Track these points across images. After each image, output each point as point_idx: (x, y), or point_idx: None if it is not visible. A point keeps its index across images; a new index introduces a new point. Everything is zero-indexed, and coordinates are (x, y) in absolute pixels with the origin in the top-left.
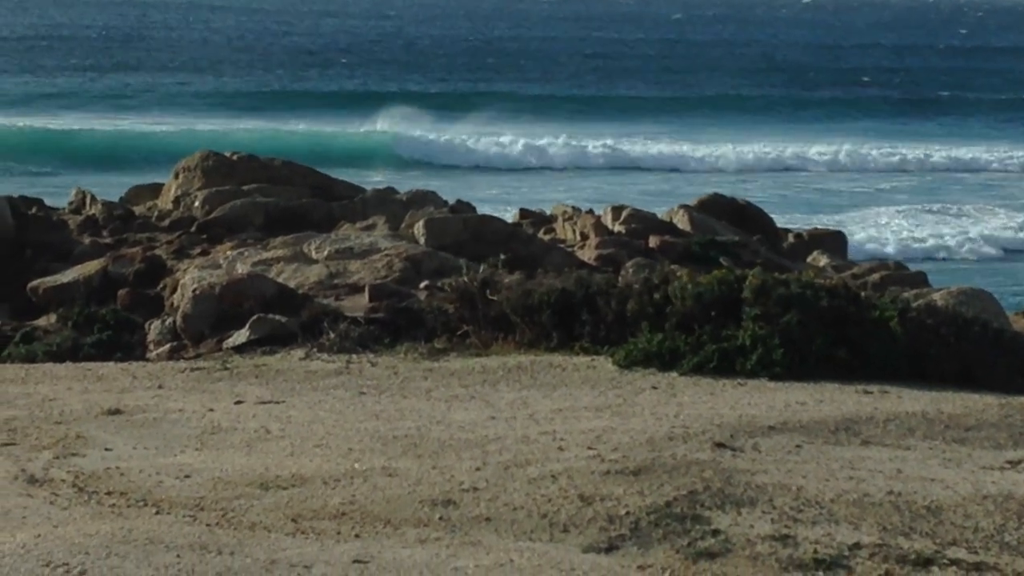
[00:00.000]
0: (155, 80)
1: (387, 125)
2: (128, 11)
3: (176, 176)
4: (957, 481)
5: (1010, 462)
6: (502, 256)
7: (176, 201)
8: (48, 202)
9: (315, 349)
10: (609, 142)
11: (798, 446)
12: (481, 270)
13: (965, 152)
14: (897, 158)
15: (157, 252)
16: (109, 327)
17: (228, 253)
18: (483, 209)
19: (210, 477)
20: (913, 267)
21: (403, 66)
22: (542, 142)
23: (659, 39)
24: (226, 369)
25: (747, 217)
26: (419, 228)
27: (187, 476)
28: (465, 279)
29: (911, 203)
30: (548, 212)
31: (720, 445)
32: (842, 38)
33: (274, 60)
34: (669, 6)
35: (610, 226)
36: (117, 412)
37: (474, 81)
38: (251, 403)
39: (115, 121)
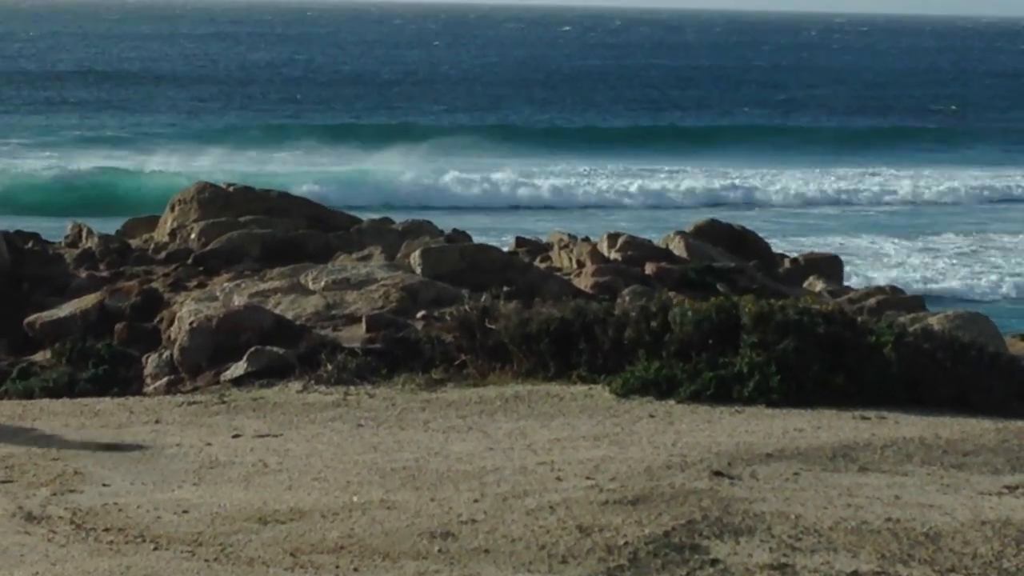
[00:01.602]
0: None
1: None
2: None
3: (172, 208)
4: (955, 507)
5: (1008, 487)
6: (504, 288)
7: (172, 233)
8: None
9: (312, 381)
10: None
11: (796, 473)
12: (483, 299)
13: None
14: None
15: (154, 285)
16: (105, 362)
17: (225, 285)
18: (477, 239)
19: (208, 512)
20: None
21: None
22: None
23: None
24: (223, 402)
25: (744, 242)
26: (415, 258)
27: (185, 511)
28: (467, 308)
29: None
30: (544, 240)
31: (718, 473)
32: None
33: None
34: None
35: (606, 253)
36: (114, 447)
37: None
38: (249, 436)
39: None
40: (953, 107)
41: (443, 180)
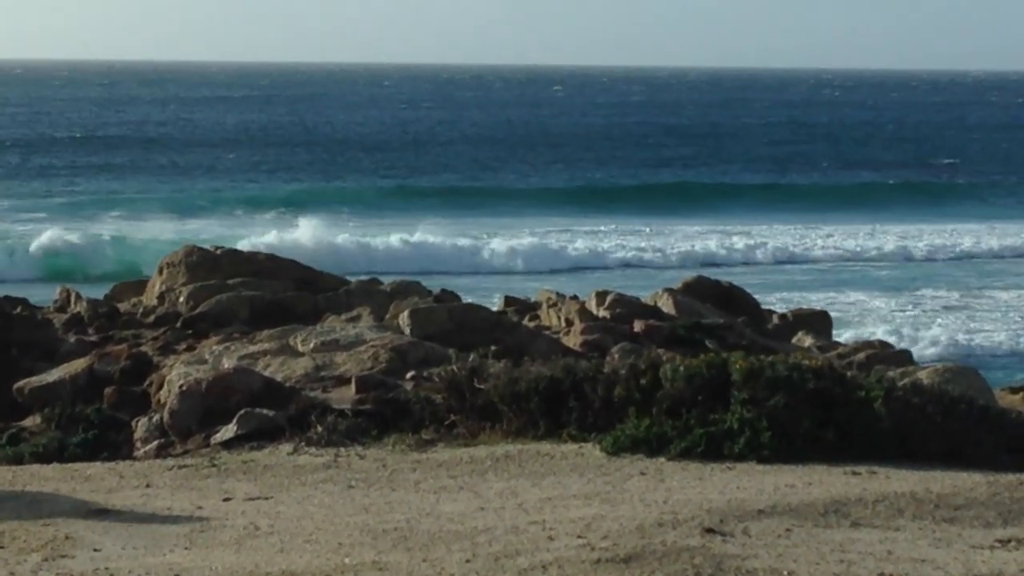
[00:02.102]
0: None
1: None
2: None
3: (160, 272)
4: (948, 561)
5: (1000, 541)
6: (492, 348)
7: (161, 297)
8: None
9: (303, 443)
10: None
11: (788, 530)
12: (471, 359)
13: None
14: None
15: (143, 348)
16: (95, 426)
17: (214, 348)
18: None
19: None
20: None
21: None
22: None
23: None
24: (214, 465)
25: (732, 299)
26: (404, 318)
27: (177, 575)
28: (455, 368)
29: None
30: (532, 299)
31: (710, 531)
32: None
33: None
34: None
35: (595, 311)
36: (105, 512)
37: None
38: (240, 499)
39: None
40: (947, 161)
41: (448, 242)
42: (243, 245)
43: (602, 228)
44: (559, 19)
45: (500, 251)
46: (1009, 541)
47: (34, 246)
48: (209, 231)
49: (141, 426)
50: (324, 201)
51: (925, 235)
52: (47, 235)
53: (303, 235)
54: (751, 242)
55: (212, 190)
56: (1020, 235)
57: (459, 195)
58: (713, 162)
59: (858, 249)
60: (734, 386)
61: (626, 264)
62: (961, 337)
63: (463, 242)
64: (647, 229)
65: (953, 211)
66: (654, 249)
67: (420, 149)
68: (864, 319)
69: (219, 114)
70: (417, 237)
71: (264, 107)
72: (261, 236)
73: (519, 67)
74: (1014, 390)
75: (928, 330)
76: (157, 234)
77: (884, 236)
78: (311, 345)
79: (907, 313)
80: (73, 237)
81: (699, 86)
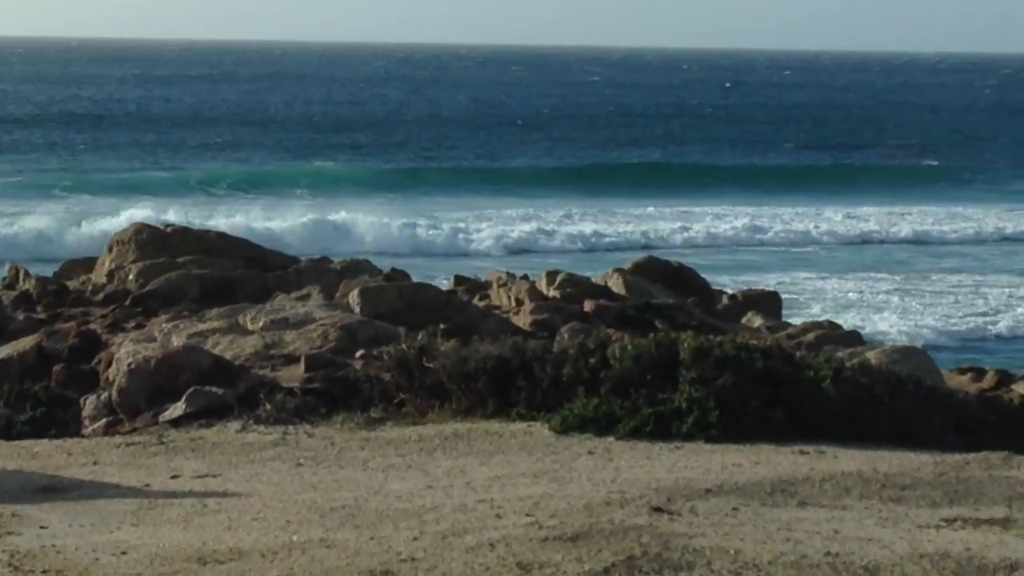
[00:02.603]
0: None
1: None
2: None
3: (110, 249)
4: (894, 540)
5: (946, 520)
6: (441, 326)
7: (110, 275)
8: None
9: (251, 421)
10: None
11: (735, 509)
12: (420, 337)
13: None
14: None
15: (92, 326)
16: (43, 404)
17: (163, 326)
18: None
19: (147, 553)
20: None
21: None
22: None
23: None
24: (162, 443)
25: (681, 279)
26: (354, 297)
27: (124, 552)
28: (405, 346)
29: None
30: (483, 279)
31: (657, 509)
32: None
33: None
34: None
35: (545, 291)
36: (52, 490)
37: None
38: (188, 477)
39: None
40: (915, 141)
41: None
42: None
43: (558, 210)
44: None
45: (450, 232)
46: (955, 520)
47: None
48: (166, 210)
49: (89, 404)
50: (280, 181)
51: (874, 217)
52: None
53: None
54: (709, 224)
55: (172, 168)
56: (977, 219)
57: (413, 176)
58: (671, 144)
59: (810, 231)
60: (682, 366)
61: (581, 245)
62: (910, 320)
63: (412, 222)
64: (604, 210)
65: (909, 194)
66: (604, 232)
67: (380, 129)
68: (814, 301)
69: (178, 92)
70: (371, 218)
71: (226, 86)
72: (229, 218)
73: (478, 46)
74: (962, 371)
75: (878, 312)
76: (109, 213)
77: (837, 218)
78: (260, 323)
79: (858, 295)
80: (28, 216)
81: (656, 67)
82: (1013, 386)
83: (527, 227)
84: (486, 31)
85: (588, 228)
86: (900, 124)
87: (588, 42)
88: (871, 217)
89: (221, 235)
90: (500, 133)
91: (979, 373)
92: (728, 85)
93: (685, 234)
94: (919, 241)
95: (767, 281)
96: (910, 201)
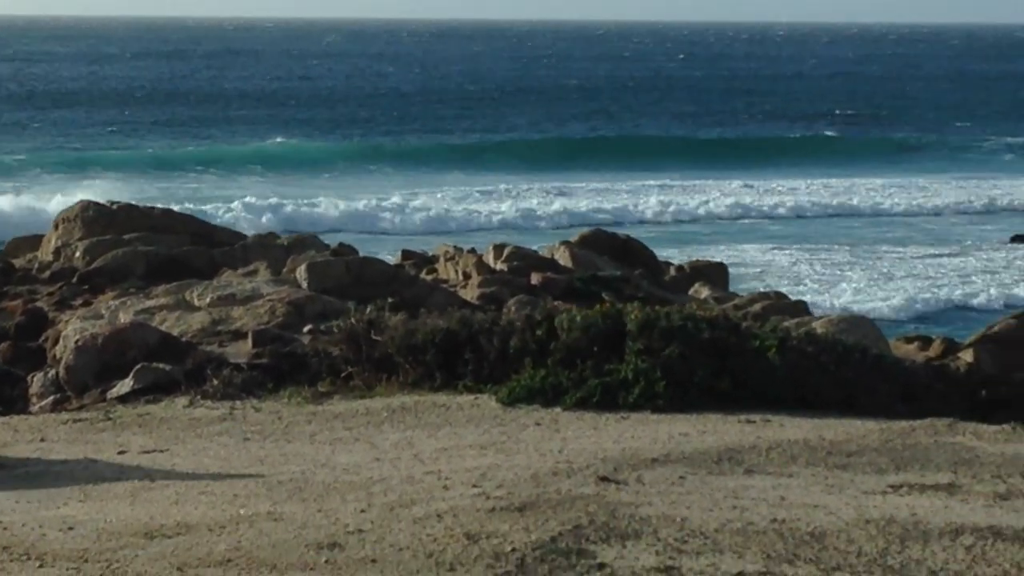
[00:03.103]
0: None
1: None
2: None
3: (56, 227)
4: (840, 507)
5: (892, 486)
6: (389, 300)
7: (57, 252)
8: None
9: (199, 396)
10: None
11: (682, 477)
12: (368, 311)
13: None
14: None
15: (39, 304)
16: None
17: (110, 303)
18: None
19: (94, 528)
20: None
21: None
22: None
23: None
24: (109, 419)
25: (629, 251)
26: (301, 272)
27: (71, 528)
28: (353, 320)
29: None
30: (430, 252)
31: (604, 479)
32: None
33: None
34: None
35: (492, 264)
36: None
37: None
38: (135, 452)
39: None
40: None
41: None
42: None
43: (504, 185)
44: None
45: (397, 211)
46: (901, 487)
47: None
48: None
49: (37, 381)
50: (228, 159)
51: (826, 190)
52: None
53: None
54: (662, 198)
55: (119, 147)
56: (926, 193)
57: (364, 154)
58: (625, 116)
59: (760, 204)
60: (629, 336)
61: (530, 221)
62: (859, 291)
63: (361, 203)
64: (551, 185)
65: (865, 166)
66: (547, 208)
67: (333, 104)
68: (765, 274)
69: (129, 70)
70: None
71: (180, 63)
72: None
73: (431, 21)
74: (908, 339)
75: (826, 285)
76: (59, 190)
77: (789, 191)
78: (207, 300)
79: (806, 267)
80: None
81: (611, 40)
82: (959, 354)
83: (466, 204)
84: (441, 5)
85: (535, 203)
86: (852, 96)
87: (544, 16)
88: (822, 189)
89: (167, 212)
90: (455, 107)
91: (926, 342)
92: (682, 57)
93: (636, 208)
94: (868, 213)
95: (715, 254)
96: (860, 173)
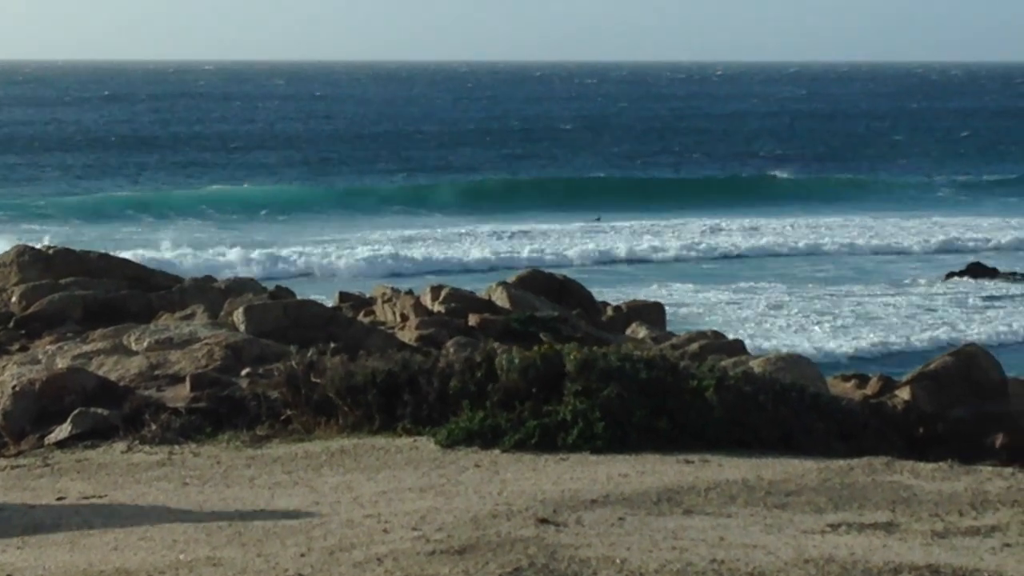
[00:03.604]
0: None
1: None
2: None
3: None
4: (779, 546)
5: (830, 525)
6: (332, 344)
7: None
8: None
9: (137, 441)
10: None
11: (621, 518)
12: (309, 354)
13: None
14: None
15: None
16: None
17: (47, 348)
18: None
19: None
20: None
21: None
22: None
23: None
24: (47, 465)
25: (566, 292)
26: (239, 315)
27: (9, 575)
28: (292, 363)
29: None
30: (367, 295)
31: (544, 521)
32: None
33: None
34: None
35: (430, 306)
36: None
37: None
38: (73, 499)
39: None
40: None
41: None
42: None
43: (440, 229)
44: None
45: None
46: (839, 525)
47: None
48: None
49: None
50: (181, 203)
51: (762, 230)
52: None
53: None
54: (601, 240)
55: (58, 193)
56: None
57: (293, 201)
58: (563, 156)
59: (698, 245)
60: (568, 377)
61: (466, 263)
62: (796, 330)
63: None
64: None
65: (802, 205)
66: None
67: (275, 146)
68: (701, 314)
69: (71, 114)
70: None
71: (121, 106)
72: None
73: (369, 63)
74: (845, 377)
75: (762, 324)
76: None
77: (728, 232)
78: (145, 344)
79: (743, 307)
80: None
81: (554, 80)
82: (896, 392)
83: (396, 248)
84: (381, 48)
85: (467, 247)
86: (789, 134)
87: (481, 57)
88: (761, 227)
89: (103, 255)
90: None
91: (862, 380)
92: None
93: (577, 249)
94: (803, 251)
95: (650, 295)
96: (797, 212)
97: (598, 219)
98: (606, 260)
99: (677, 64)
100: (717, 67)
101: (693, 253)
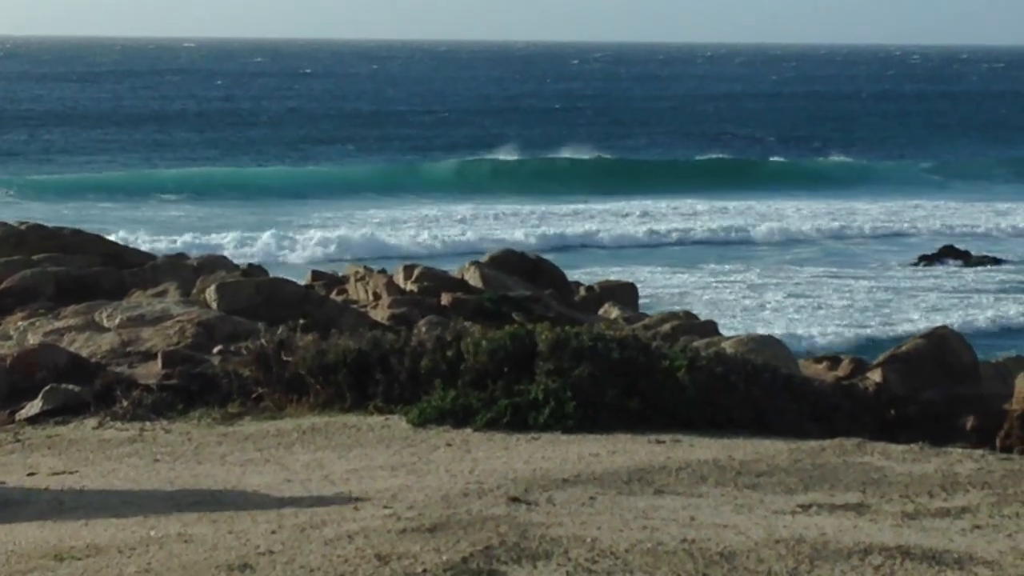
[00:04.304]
0: None
1: None
2: None
3: None
4: (750, 527)
5: (801, 506)
6: (301, 321)
7: None
8: None
9: (108, 418)
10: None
11: (592, 498)
12: (280, 332)
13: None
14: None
15: None
16: None
17: (19, 324)
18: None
19: (3, 551)
20: None
21: None
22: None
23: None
24: (18, 441)
25: (539, 272)
26: (211, 293)
27: None
28: (263, 341)
29: None
30: (340, 273)
31: (515, 499)
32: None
33: None
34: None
35: (402, 285)
36: None
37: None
38: (44, 474)
39: None
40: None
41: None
42: None
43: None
44: None
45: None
46: (810, 506)
47: None
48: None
49: None
50: (134, 185)
51: (742, 213)
52: None
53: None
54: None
55: (34, 172)
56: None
57: (261, 180)
58: (539, 140)
59: (676, 227)
60: (539, 357)
61: (437, 246)
62: (767, 314)
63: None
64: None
65: (778, 189)
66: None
67: (256, 125)
68: (677, 296)
69: (48, 90)
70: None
71: (98, 85)
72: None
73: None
74: (818, 359)
75: (736, 307)
76: None
77: (699, 214)
78: (117, 321)
79: (718, 290)
80: None
81: (506, 61)
82: (868, 374)
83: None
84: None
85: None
86: (761, 117)
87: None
88: (741, 210)
89: (76, 232)
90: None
91: (835, 361)
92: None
93: (536, 231)
94: (777, 237)
95: (625, 276)
96: (772, 195)
97: (585, 201)
98: (575, 244)
99: (661, 44)
100: (703, 48)
101: (669, 235)
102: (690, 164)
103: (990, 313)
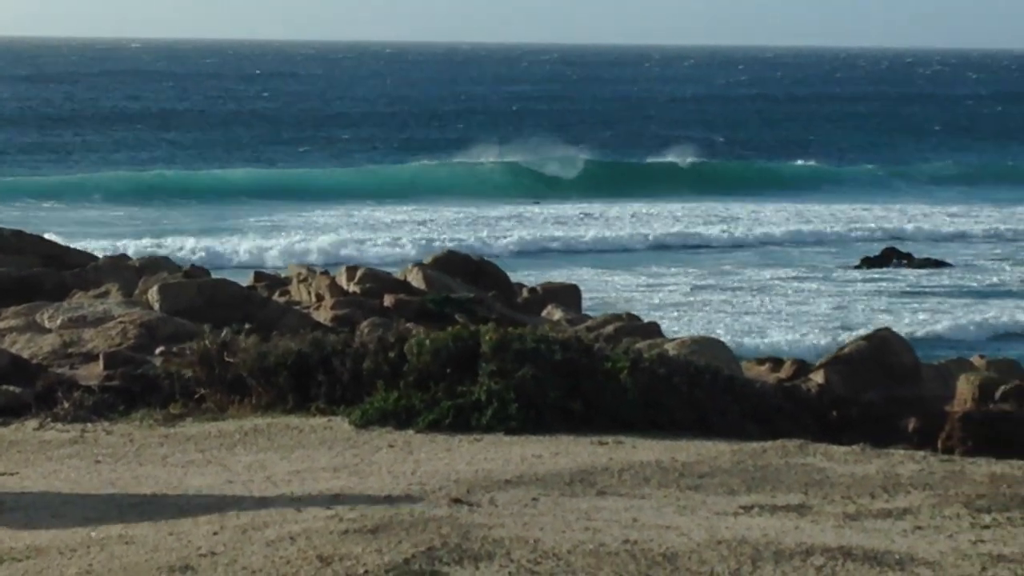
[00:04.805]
0: None
1: None
2: None
3: None
4: (692, 528)
5: (743, 507)
6: (247, 325)
7: None
8: None
9: (49, 419)
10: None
11: (535, 499)
12: (223, 333)
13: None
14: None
15: None
16: None
17: None
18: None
19: None
20: None
21: None
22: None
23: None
24: None
25: (482, 273)
26: (153, 294)
27: None
28: (206, 342)
29: None
30: (283, 275)
31: (457, 501)
32: None
33: None
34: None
35: (345, 286)
36: None
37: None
38: None
39: None
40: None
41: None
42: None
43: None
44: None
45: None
46: (752, 507)
47: None
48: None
49: None
50: (74, 189)
51: (689, 216)
52: None
53: None
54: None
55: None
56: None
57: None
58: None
59: (620, 231)
60: (483, 358)
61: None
62: (709, 316)
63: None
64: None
65: (727, 192)
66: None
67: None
68: (619, 299)
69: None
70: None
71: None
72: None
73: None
74: (760, 361)
75: (678, 309)
76: None
77: (645, 218)
78: (58, 322)
79: (661, 293)
80: None
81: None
82: (810, 375)
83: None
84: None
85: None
86: (717, 120)
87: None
88: (688, 214)
89: (17, 233)
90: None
91: (777, 363)
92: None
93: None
94: (724, 241)
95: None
96: (719, 198)
97: (536, 203)
98: (533, 250)
99: (611, 47)
100: (650, 51)
101: (616, 238)
102: (641, 167)
103: (932, 315)
